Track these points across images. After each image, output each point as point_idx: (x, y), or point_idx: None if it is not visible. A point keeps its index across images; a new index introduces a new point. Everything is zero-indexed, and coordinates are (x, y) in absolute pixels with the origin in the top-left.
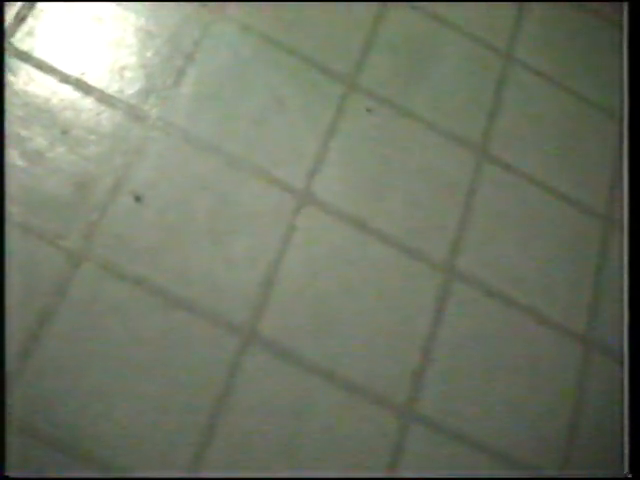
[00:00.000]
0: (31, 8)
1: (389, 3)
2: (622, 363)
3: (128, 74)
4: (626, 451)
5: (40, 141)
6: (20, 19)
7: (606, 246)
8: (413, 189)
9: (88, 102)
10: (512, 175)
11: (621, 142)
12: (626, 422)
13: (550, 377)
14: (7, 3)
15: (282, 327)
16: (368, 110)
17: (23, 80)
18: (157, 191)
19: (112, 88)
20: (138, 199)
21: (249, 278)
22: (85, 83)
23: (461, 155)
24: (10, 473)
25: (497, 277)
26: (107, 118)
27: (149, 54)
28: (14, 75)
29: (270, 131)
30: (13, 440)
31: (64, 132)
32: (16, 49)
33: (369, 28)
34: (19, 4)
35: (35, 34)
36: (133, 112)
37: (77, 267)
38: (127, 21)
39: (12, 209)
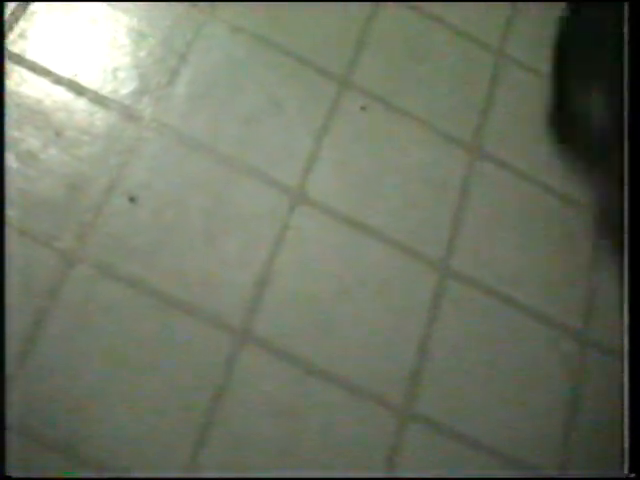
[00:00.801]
0: (23, 10)
1: (382, 2)
2: (621, 361)
3: (121, 75)
4: (626, 451)
5: (33, 142)
6: (12, 21)
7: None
8: (407, 188)
9: (81, 103)
10: (506, 173)
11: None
12: (626, 422)
13: (548, 375)
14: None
15: (277, 327)
16: (362, 108)
17: (15, 82)
18: (151, 191)
19: (105, 89)
20: (132, 200)
21: (244, 278)
22: (78, 84)
23: (455, 153)
24: (10, 473)
25: (493, 275)
26: (101, 119)
27: (142, 54)
28: (7, 77)
29: (264, 130)
30: (11, 442)
31: (57, 133)
32: (8, 51)
33: (362, 27)
34: (11, 6)
35: (27, 36)
36: (127, 112)
37: (71, 268)
38: (119, 22)
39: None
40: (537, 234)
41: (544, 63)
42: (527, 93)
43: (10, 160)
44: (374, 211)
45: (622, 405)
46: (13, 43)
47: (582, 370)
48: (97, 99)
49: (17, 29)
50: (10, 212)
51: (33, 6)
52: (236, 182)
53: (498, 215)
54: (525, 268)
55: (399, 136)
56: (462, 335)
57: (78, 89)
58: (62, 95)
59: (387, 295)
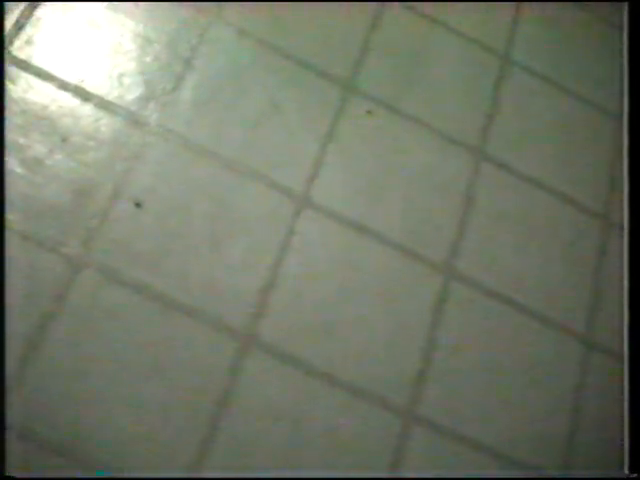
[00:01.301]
0: (29, 16)
1: (386, 4)
2: (622, 362)
3: (127, 80)
4: (626, 451)
5: (39, 148)
6: (18, 28)
7: (605, 245)
8: (412, 191)
9: (87, 109)
10: (510, 176)
11: (618, 141)
12: (626, 422)
13: (550, 377)
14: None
15: (282, 331)
16: (368, 112)
17: (22, 88)
18: (157, 197)
19: (111, 94)
20: (138, 205)
21: (248, 282)
22: (84, 90)
23: (459, 156)
24: (10, 473)
25: (496, 278)
26: (106, 124)
27: (147, 60)
28: (13, 83)
29: (268, 135)
30: (14, 445)
31: (63, 139)
32: (15, 57)
33: (366, 31)
34: (17, 12)
35: (33, 42)
36: (132, 118)
37: (77, 273)
38: (125, 27)
39: (12, 216)
40: (541, 237)
41: (549, 65)
42: (532, 96)
43: (16, 166)
44: (378, 215)
45: (623, 406)
46: (19, 49)
47: (584, 372)
48: (103, 105)
49: (23, 35)
50: (16, 218)
51: (39, 12)
52: (241, 187)
53: (502, 218)
54: (529, 270)
55: (404, 140)
56: (465, 337)
57: (84, 95)
58: (68, 101)
59: (391, 298)
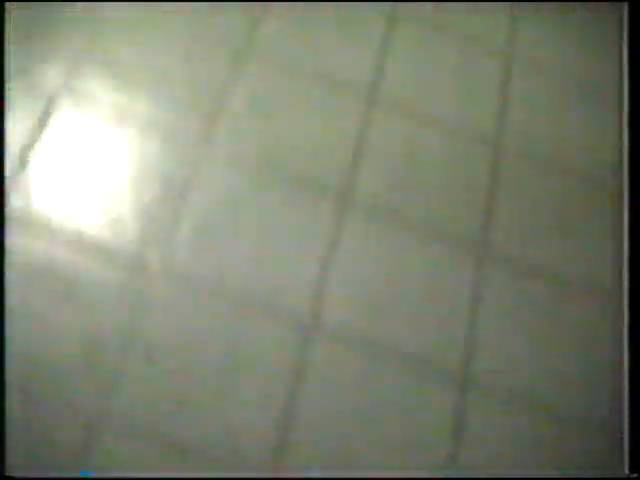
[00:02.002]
0: (22, 168)
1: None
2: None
3: (124, 224)
4: (626, 451)
5: (42, 304)
6: (13, 177)
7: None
8: (419, 301)
9: (88, 259)
10: (516, 271)
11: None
12: (626, 422)
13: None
14: None
15: (305, 461)
16: (364, 224)
17: (22, 242)
18: (165, 343)
19: (110, 240)
20: (148, 357)
21: (264, 419)
22: (83, 240)
23: (462, 259)
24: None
25: (512, 383)
26: (108, 273)
27: (144, 200)
28: (11, 238)
29: (270, 262)
30: None
31: (67, 293)
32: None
33: (355, 138)
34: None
35: (29, 194)
36: (133, 263)
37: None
38: (118, 168)
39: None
40: (556, 332)
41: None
42: (529, 181)
43: (19, 323)
44: (388, 329)
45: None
46: (15, 201)
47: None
48: (102, 252)
49: (18, 187)
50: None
51: (31, 164)
52: (248, 321)
53: (513, 316)
54: (545, 368)
55: (407, 250)
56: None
57: (83, 245)
58: (67, 252)
59: (407, 416)
